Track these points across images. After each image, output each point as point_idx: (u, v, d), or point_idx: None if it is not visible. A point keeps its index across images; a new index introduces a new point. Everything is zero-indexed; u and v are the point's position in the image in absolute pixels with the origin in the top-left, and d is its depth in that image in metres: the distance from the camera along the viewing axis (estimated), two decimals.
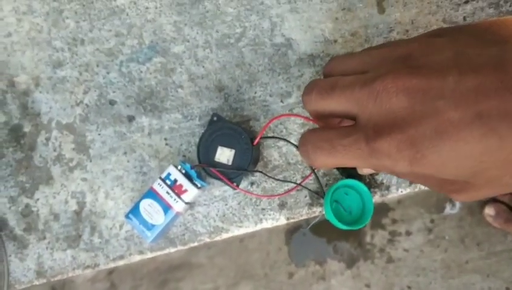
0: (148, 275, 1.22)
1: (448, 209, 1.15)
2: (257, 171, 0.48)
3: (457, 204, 1.13)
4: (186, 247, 0.50)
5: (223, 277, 1.20)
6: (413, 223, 1.16)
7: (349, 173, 0.48)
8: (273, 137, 0.49)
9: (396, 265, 1.15)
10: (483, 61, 0.25)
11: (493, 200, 1.13)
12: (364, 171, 0.39)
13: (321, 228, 1.18)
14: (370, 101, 0.28)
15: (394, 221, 1.17)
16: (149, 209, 0.47)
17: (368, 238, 1.17)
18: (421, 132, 0.26)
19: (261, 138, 0.47)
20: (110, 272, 1.23)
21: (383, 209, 1.17)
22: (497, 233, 1.13)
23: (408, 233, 1.16)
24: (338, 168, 0.48)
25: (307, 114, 0.49)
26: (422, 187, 0.48)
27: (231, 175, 0.46)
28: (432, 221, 1.15)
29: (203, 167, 0.47)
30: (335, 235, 1.18)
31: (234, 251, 1.20)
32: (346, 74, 0.32)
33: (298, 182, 0.49)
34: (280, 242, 1.19)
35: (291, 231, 1.19)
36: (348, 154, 0.30)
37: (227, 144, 0.47)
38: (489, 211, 1.11)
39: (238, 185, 0.47)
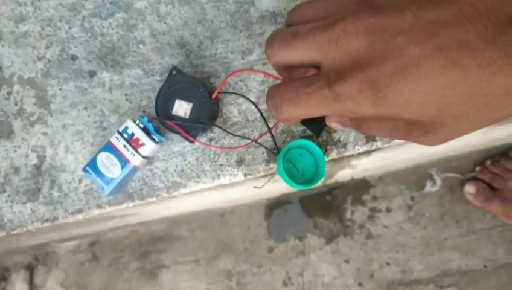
0: (129, 246, 1.22)
1: (428, 187, 1.15)
2: (214, 125, 0.48)
3: (438, 182, 1.13)
4: (144, 202, 0.50)
5: (203, 250, 1.20)
6: (393, 200, 1.16)
7: (317, 127, 0.47)
8: (232, 93, 0.49)
9: (375, 241, 1.16)
10: None
11: (474, 179, 1.14)
12: (333, 125, 0.39)
13: (302, 203, 1.19)
14: (331, 45, 0.28)
15: (375, 198, 1.17)
16: (106, 162, 0.47)
17: (348, 215, 1.18)
18: (381, 70, 0.25)
19: (219, 92, 0.47)
20: (92, 243, 1.24)
21: (363, 185, 1.18)
22: (477, 211, 1.13)
23: (388, 210, 1.16)
24: (307, 126, 0.48)
25: (267, 70, 0.49)
26: (379, 145, 0.48)
27: (188, 128, 0.46)
28: (412, 198, 1.16)
29: (160, 121, 0.47)
30: (315, 210, 1.18)
31: (215, 225, 1.21)
32: (308, 21, 0.31)
33: (257, 142, 0.49)
34: (260, 217, 1.20)
35: (272, 206, 1.20)
36: (313, 102, 0.30)
37: (185, 98, 0.47)
38: (469, 189, 1.12)
39: (194, 138, 0.47)
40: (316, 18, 0.31)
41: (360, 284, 1.15)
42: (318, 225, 1.18)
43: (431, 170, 1.15)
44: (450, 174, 1.15)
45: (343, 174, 1.04)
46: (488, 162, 1.12)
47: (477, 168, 1.13)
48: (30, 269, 1.26)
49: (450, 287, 1.12)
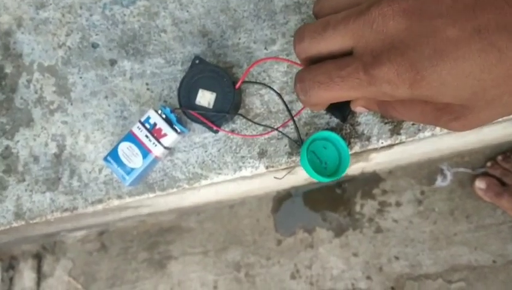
0: (138, 237, 1.22)
1: (439, 182, 1.15)
2: (238, 114, 0.48)
3: (449, 176, 1.13)
4: (164, 193, 0.50)
5: (212, 242, 1.20)
6: (403, 194, 1.16)
7: (343, 113, 0.46)
8: (255, 82, 0.49)
9: (384, 235, 1.16)
10: None
11: (484, 174, 1.13)
12: (358, 109, 0.39)
13: (311, 196, 1.18)
14: (366, 30, 0.28)
15: (384, 191, 1.17)
16: (128, 152, 0.47)
17: (357, 208, 1.17)
18: (420, 52, 0.25)
19: (243, 82, 0.46)
20: (101, 233, 1.24)
21: (374, 179, 1.17)
22: (487, 206, 1.13)
23: (398, 204, 1.16)
24: (332, 112, 0.47)
25: (292, 59, 0.49)
26: (403, 139, 0.48)
27: (212, 118, 0.46)
28: (423, 193, 1.16)
29: (183, 111, 0.46)
30: (324, 204, 1.18)
31: (224, 217, 1.21)
32: (338, 10, 0.31)
33: (279, 130, 0.48)
34: (269, 209, 1.20)
35: (281, 198, 1.20)
36: (346, 85, 0.29)
37: (209, 87, 0.46)
38: (480, 184, 1.11)
39: (219, 127, 0.46)
40: (345, 6, 0.31)
41: (368, 278, 1.15)
42: (327, 218, 1.18)
43: (442, 165, 1.15)
44: (461, 169, 1.14)
45: (354, 168, 1.04)
46: (500, 158, 1.12)
47: (488, 164, 1.13)
48: (38, 257, 1.26)
49: (459, 282, 1.12)
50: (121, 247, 1.23)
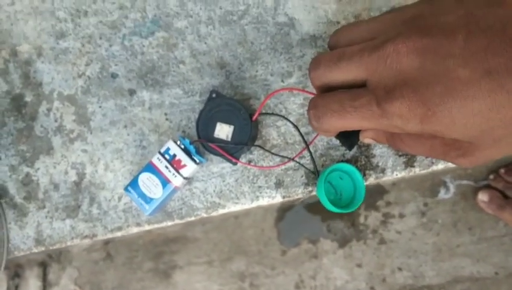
0: (143, 246, 1.23)
1: (442, 194, 1.16)
2: (256, 145, 0.49)
3: (452, 189, 1.14)
4: (183, 221, 0.51)
5: (217, 252, 1.21)
6: (407, 206, 1.17)
7: (351, 142, 0.47)
8: (272, 114, 0.50)
9: (388, 246, 1.17)
10: (491, 21, 0.25)
11: (487, 187, 1.15)
12: (366, 140, 0.40)
13: (315, 207, 1.20)
14: (380, 64, 0.28)
15: (388, 203, 1.18)
16: (148, 182, 0.48)
17: (361, 219, 1.19)
18: (431, 90, 0.26)
19: (259, 114, 0.47)
20: (106, 242, 1.25)
21: (378, 191, 1.18)
22: (489, 219, 1.15)
23: (401, 216, 1.17)
24: (341, 139, 0.48)
25: (308, 90, 0.50)
26: (417, 171, 0.49)
27: (230, 150, 0.47)
28: (426, 205, 1.17)
29: (202, 144, 0.47)
30: (329, 215, 1.19)
31: (229, 227, 1.22)
32: (353, 43, 0.32)
33: (295, 160, 0.49)
34: (274, 220, 1.21)
35: (286, 209, 1.21)
36: (359, 115, 0.30)
37: (226, 120, 0.47)
38: (482, 197, 1.12)
39: (238, 159, 0.47)
40: (361, 40, 0.32)
41: (371, 289, 1.16)
42: (331, 229, 1.19)
43: (445, 177, 1.16)
44: (464, 182, 1.16)
45: None
46: (502, 171, 1.13)
47: (491, 176, 1.14)
48: (44, 266, 1.27)
49: None
50: (126, 256, 1.24)
